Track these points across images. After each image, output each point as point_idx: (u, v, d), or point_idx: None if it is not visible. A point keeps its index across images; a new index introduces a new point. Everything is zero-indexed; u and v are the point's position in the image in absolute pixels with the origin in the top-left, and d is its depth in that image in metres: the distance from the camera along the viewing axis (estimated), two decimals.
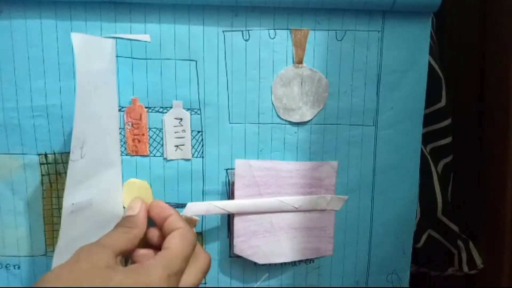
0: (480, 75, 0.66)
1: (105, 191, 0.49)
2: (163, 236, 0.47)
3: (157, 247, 0.47)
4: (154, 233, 0.49)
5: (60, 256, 0.43)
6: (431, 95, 0.57)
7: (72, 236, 0.45)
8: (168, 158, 0.52)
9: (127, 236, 0.46)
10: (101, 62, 0.47)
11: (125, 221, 0.48)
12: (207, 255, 0.48)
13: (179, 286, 0.43)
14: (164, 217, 0.48)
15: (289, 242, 0.54)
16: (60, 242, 0.44)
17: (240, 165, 0.52)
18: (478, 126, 0.66)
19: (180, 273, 0.43)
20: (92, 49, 0.46)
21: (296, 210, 0.53)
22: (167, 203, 0.52)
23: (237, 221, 0.52)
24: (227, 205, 0.52)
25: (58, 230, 0.52)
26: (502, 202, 0.61)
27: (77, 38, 0.43)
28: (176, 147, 0.52)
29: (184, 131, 0.51)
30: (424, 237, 0.61)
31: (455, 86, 0.69)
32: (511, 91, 0.59)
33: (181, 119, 0.51)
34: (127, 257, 0.47)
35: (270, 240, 0.53)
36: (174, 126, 0.51)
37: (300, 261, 0.56)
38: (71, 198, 0.44)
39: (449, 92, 0.61)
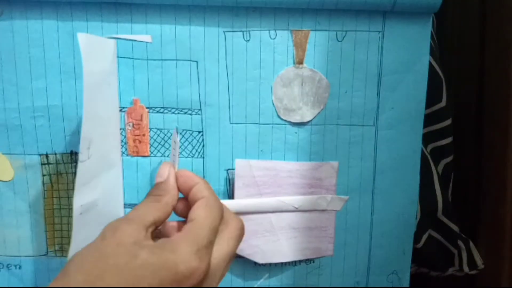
0: (480, 75, 0.66)
1: (107, 191, 0.49)
2: (189, 206, 0.45)
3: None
4: (181, 204, 0.46)
5: None
6: (432, 95, 0.57)
7: (82, 238, 0.45)
8: None
9: (158, 205, 0.43)
10: (104, 62, 0.47)
11: (154, 189, 0.45)
12: (238, 220, 0.46)
13: (211, 258, 0.41)
14: (189, 186, 0.45)
15: (289, 242, 0.54)
16: (73, 246, 0.43)
17: (240, 165, 0.52)
18: (478, 126, 0.66)
19: (209, 245, 0.41)
20: (96, 49, 0.46)
21: (296, 210, 0.53)
22: None
23: None
24: (227, 205, 0.51)
25: (59, 230, 0.52)
26: (502, 202, 0.61)
27: (83, 39, 0.43)
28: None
29: (174, 155, 0.47)
30: (424, 237, 0.61)
31: (455, 86, 0.69)
32: (511, 91, 0.59)
33: (175, 142, 0.49)
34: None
35: (270, 239, 0.54)
36: (173, 148, 0.49)
37: (300, 261, 0.56)
38: (80, 199, 0.44)
39: (449, 92, 0.62)
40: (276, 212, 0.53)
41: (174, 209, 0.46)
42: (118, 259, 0.37)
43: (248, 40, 0.51)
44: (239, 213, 0.52)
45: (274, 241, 0.54)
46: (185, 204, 0.46)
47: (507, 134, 0.60)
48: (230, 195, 0.54)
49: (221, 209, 0.44)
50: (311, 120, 0.53)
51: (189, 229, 0.40)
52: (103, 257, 0.37)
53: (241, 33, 0.51)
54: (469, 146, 0.68)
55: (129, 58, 0.50)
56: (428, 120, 0.59)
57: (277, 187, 0.53)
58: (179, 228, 0.45)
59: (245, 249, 0.53)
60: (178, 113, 0.52)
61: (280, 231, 0.54)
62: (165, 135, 0.52)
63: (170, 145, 0.52)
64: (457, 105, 0.67)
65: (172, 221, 0.45)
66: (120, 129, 0.51)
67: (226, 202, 0.52)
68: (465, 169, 0.67)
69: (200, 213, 0.42)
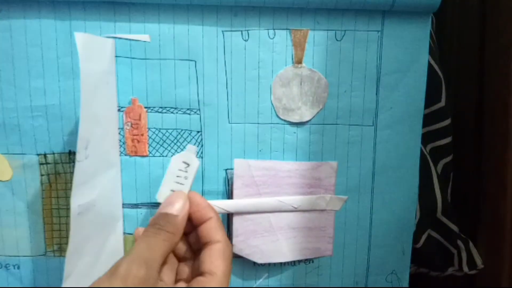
0: (480, 75, 0.66)
1: (106, 191, 0.49)
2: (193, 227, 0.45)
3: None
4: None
5: (72, 260, 0.44)
6: (431, 95, 0.57)
7: (80, 238, 0.45)
8: (158, 200, 0.47)
9: (170, 245, 0.42)
10: (102, 62, 0.47)
11: (166, 222, 0.43)
12: (227, 243, 0.45)
13: None
14: (202, 218, 0.44)
15: (288, 242, 0.54)
16: (71, 246, 0.43)
17: (239, 164, 0.52)
18: (478, 126, 0.66)
19: None
20: (94, 48, 0.46)
21: (295, 210, 0.53)
22: None
23: (235, 221, 0.52)
24: (226, 205, 0.51)
25: (57, 230, 0.52)
26: (502, 202, 0.60)
27: (80, 38, 0.43)
28: (171, 191, 0.47)
29: (186, 178, 0.47)
30: (423, 237, 0.60)
31: (454, 86, 0.69)
32: (511, 91, 0.59)
33: (188, 164, 0.48)
34: None
35: (269, 239, 0.53)
36: (179, 170, 0.48)
37: (299, 261, 0.56)
38: (77, 199, 0.44)
39: (448, 92, 0.61)
40: (275, 212, 0.53)
41: None
42: None
43: (247, 40, 0.51)
44: (238, 213, 0.52)
45: (273, 241, 0.54)
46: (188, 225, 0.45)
47: (507, 134, 0.59)
48: (229, 195, 0.53)
49: (232, 252, 0.44)
50: (310, 120, 0.53)
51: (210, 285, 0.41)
52: None
53: (239, 32, 0.51)
54: (469, 146, 0.67)
55: (128, 57, 0.50)
56: (428, 120, 0.59)
57: (276, 187, 0.53)
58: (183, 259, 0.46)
59: (244, 249, 0.53)
60: (177, 113, 0.52)
61: (279, 231, 0.54)
62: (164, 134, 0.52)
63: (168, 145, 0.52)
64: (457, 105, 0.67)
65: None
66: (119, 128, 0.51)
67: (225, 202, 0.52)
68: (465, 169, 0.67)
69: (219, 266, 0.42)
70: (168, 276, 0.43)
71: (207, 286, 0.40)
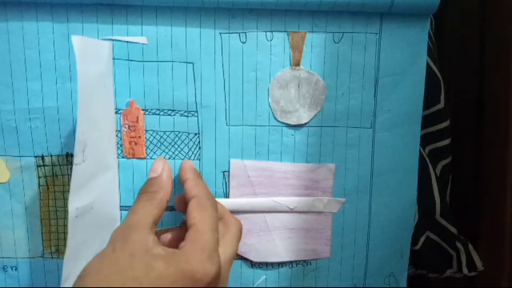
0: (480, 75, 0.66)
1: (103, 194, 0.49)
2: (186, 202, 0.46)
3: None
4: (178, 200, 0.49)
5: (70, 263, 0.44)
6: (430, 97, 0.57)
7: (78, 241, 0.45)
8: None
9: (154, 203, 0.44)
10: (99, 64, 0.47)
11: (147, 185, 0.46)
12: (237, 221, 0.48)
13: (221, 260, 0.42)
14: (183, 181, 0.47)
15: (284, 242, 0.54)
16: (69, 249, 0.43)
17: (234, 165, 0.52)
18: (478, 126, 0.66)
19: (216, 244, 0.42)
20: (91, 51, 0.46)
21: (290, 211, 0.53)
22: None
23: None
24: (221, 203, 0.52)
25: (55, 232, 0.52)
26: (502, 203, 0.60)
27: (77, 41, 0.42)
28: None
29: None
30: (422, 239, 0.60)
31: (455, 86, 0.69)
32: (511, 91, 0.59)
33: None
34: None
35: (264, 239, 0.54)
36: None
37: (297, 263, 0.56)
38: (75, 202, 0.44)
39: (448, 93, 0.61)
40: (271, 212, 0.53)
41: (175, 206, 0.49)
42: (135, 272, 0.38)
43: (245, 42, 0.51)
44: (233, 212, 0.52)
45: (268, 240, 0.54)
46: (182, 200, 0.48)
47: (507, 134, 0.59)
48: (227, 197, 0.53)
49: (215, 204, 0.45)
50: (307, 122, 0.53)
51: (195, 237, 0.42)
52: (120, 270, 0.38)
53: (237, 34, 0.51)
54: (469, 146, 0.67)
55: (125, 60, 0.50)
56: (426, 121, 0.59)
57: (272, 188, 0.53)
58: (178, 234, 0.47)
59: (240, 247, 0.53)
60: (174, 115, 0.52)
61: (274, 231, 0.54)
62: (161, 137, 0.52)
63: (166, 147, 0.52)
64: (457, 105, 0.67)
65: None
66: (116, 131, 0.51)
67: (220, 201, 0.52)
68: (465, 170, 0.67)
69: (196, 216, 0.43)
70: None
71: (190, 242, 0.41)
